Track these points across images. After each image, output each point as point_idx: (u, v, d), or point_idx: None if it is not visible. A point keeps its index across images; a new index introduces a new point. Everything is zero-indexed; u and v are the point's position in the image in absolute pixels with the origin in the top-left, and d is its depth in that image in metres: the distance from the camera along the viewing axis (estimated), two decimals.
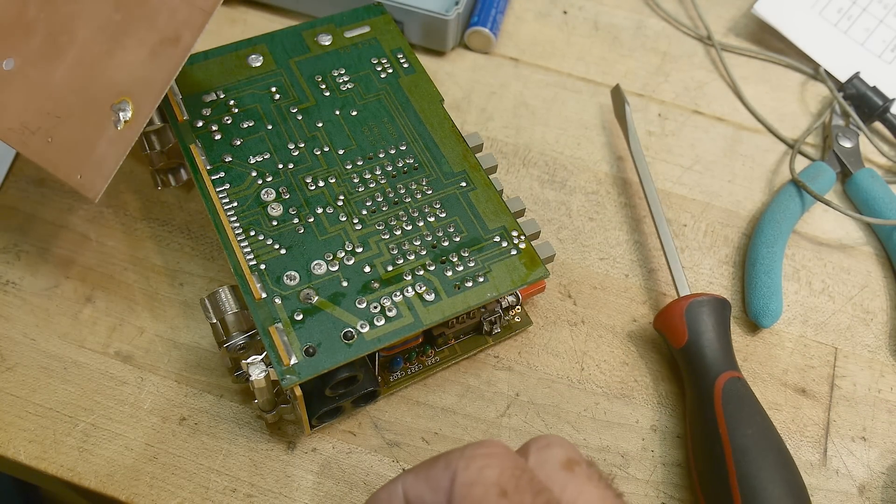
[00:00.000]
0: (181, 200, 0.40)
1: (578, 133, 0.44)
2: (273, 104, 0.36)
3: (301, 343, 0.30)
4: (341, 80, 0.38)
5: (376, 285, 0.32)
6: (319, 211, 0.33)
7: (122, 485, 0.32)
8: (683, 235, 0.41)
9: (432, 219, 0.34)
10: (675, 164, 0.43)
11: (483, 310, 0.34)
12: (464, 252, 0.33)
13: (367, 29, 0.39)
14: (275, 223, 0.33)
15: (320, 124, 0.36)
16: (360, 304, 0.31)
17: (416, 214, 0.34)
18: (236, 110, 0.36)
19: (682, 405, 0.35)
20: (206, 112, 0.36)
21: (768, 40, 0.49)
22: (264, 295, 0.31)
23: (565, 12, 0.49)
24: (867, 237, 0.41)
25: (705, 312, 0.34)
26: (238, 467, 0.33)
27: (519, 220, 0.34)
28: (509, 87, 0.45)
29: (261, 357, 0.30)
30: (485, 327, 0.35)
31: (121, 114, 0.31)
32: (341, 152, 0.35)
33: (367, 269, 0.32)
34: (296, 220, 0.33)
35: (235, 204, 0.33)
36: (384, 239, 0.33)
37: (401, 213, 0.34)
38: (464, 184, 0.35)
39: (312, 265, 0.32)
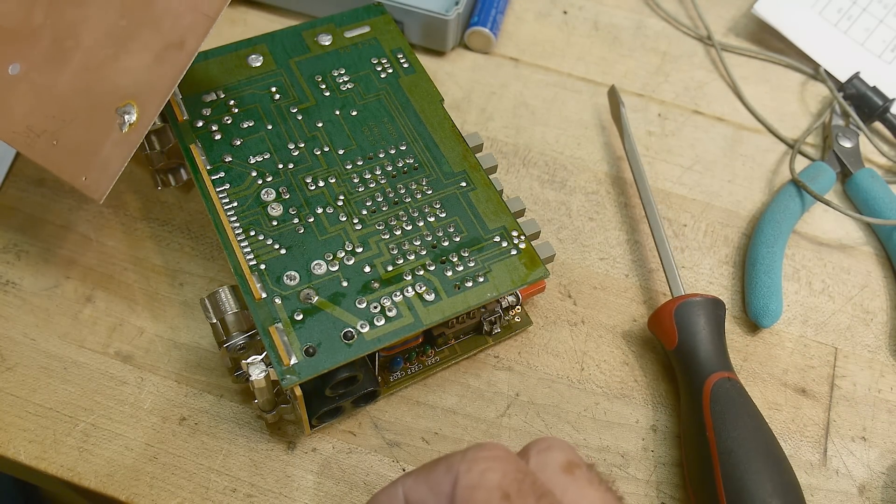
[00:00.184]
0: (181, 200, 0.40)
1: (578, 133, 0.44)
2: (273, 104, 0.36)
3: (301, 343, 0.30)
4: (341, 80, 0.38)
5: (376, 285, 0.32)
6: (319, 211, 0.33)
7: (122, 485, 0.32)
8: (683, 235, 0.41)
9: (432, 219, 0.34)
10: (675, 164, 0.43)
11: (483, 310, 0.34)
12: (464, 252, 0.33)
13: (367, 29, 0.39)
14: (275, 223, 0.33)
15: (320, 124, 0.36)
16: (360, 304, 0.31)
17: (416, 214, 0.34)
18: (236, 110, 0.36)
19: (679, 405, 0.35)
20: (207, 112, 0.36)
21: (768, 40, 0.49)
22: (264, 295, 0.31)
23: (565, 12, 0.49)
24: (867, 237, 0.41)
25: (696, 313, 0.34)
26: (238, 467, 0.33)
27: (519, 220, 0.34)
28: (509, 87, 0.45)
29: (261, 357, 0.30)
30: (485, 327, 0.35)
31: (126, 117, 0.32)
32: (341, 152, 0.35)
33: (367, 269, 0.32)
34: (296, 220, 0.33)
35: (235, 204, 0.33)
36: (384, 239, 0.33)
37: (401, 213, 0.34)
38: (464, 184, 0.35)
39: (312, 265, 0.32)
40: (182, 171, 0.39)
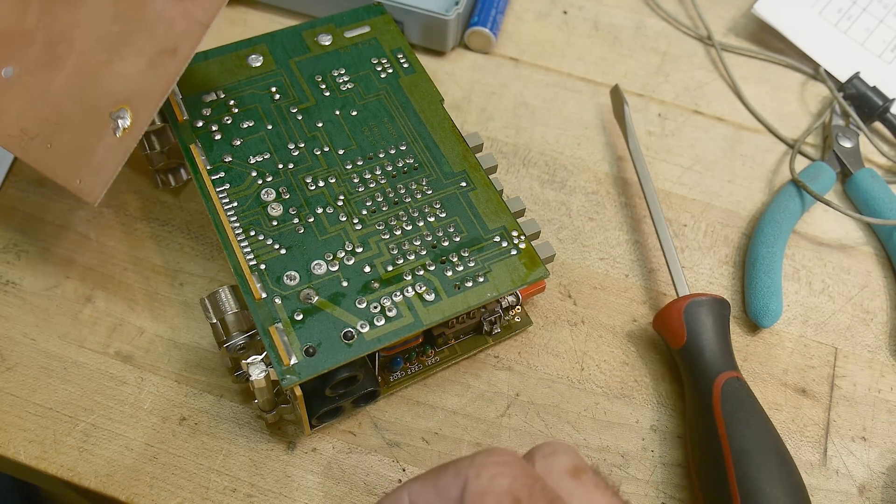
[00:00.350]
0: (181, 200, 0.40)
1: (578, 133, 0.44)
2: (273, 104, 0.36)
3: (301, 343, 0.30)
4: (341, 80, 0.38)
5: (376, 285, 0.32)
6: (319, 211, 0.33)
7: (122, 485, 0.32)
8: (683, 235, 0.41)
9: (432, 219, 0.34)
10: (675, 164, 0.43)
11: (483, 310, 0.34)
12: (464, 252, 0.33)
13: (367, 29, 0.39)
14: (275, 223, 0.33)
15: (320, 124, 0.36)
16: (360, 304, 0.31)
17: (416, 214, 0.34)
18: (236, 110, 0.36)
19: (682, 405, 0.35)
20: (206, 112, 0.36)
21: (768, 40, 0.49)
22: (264, 295, 0.31)
23: (565, 12, 0.49)
24: (867, 237, 0.41)
25: (704, 313, 0.34)
26: (238, 467, 0.33)
27: (519, 220, 0.34)
28: (509, 87, 0.45)
29: (261, 357, 0.30)
30: (485, 327, 0.35)
31: (119, 121, 0.32)
32: (341, 152, 0.35)
33: (367, 269, 0.32)
34: (296, 220, 0.33)
35: (235, 204, 0.33)
36: (384, 239, 0.33)
37: (401, 213, 0.34)
38: (464, 184, 0.35)
39: (312, 265, 0.32)
40: (182, 171, 0.39)
